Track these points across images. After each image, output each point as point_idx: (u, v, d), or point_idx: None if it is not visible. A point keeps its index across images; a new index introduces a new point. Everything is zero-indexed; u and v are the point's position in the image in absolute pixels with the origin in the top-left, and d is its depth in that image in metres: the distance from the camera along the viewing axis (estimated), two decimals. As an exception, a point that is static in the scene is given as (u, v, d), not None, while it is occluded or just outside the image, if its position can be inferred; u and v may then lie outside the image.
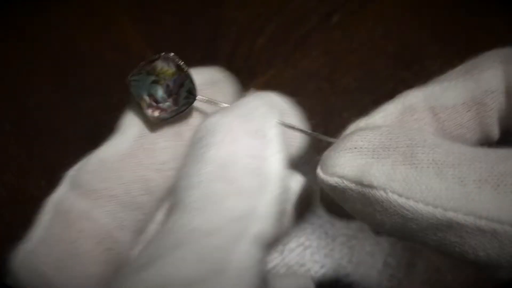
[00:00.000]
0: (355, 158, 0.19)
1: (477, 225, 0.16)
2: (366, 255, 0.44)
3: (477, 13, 0.52)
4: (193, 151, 0.20)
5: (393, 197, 0.18)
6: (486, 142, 0.23)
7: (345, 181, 0.19)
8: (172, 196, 0.21)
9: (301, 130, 0.25)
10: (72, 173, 0.22)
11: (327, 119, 0.48)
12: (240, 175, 0.19)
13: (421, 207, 0.17)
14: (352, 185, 0.19)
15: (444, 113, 0.21)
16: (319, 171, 0.20)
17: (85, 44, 0.52)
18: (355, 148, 0.19)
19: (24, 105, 0.49)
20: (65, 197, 0.22)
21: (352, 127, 0.24)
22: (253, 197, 0.18)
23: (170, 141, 0.23)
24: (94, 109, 0.48)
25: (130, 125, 0.23)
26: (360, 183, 0.19)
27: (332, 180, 0.20)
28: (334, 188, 0.20)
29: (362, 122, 0.23)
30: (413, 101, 0.22)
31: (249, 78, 0.50)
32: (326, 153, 0.21)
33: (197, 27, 0.53)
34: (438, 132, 0.22)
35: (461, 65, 0.22)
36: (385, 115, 0.22)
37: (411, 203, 0.17)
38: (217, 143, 0.19)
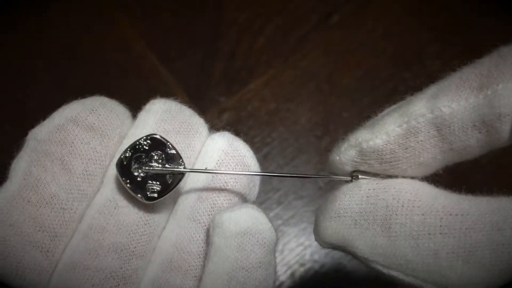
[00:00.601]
0: (339, 228, 0.21)
1: None
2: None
3: (477, 13, 0.52)
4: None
5: (377, 266, 0.20)
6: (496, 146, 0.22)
7: (334, 246, 0.22)
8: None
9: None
10: None
11: (327, 119, 0.48)
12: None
13: (402, 277, 0.20)
14: (341, 250, 0.22)
15: (452, 136, 0.20)
16: (314, 233, 0.23)
17: (85, 44, 0.52)
18: (338, 216, 0.21)
19: (24, 105, 0.49)
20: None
21: (352, 141, 0.23)
22: None
23: (56, 173, 0.22)
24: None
25: (19, 171, 0.22)
26: (347, 251, 0.21)
27: (324, 244, 0.22)
28: (328, 247, 0.23)
29: (364, 142, 0.22)
30: (420, 121, 0.21)
31: (249, 78, 0.50)
32: (317, 213, 0.23)
33: (197, 27, 0.53)
34: (444, 153, 0.21)
35: (474, 68, 0.20)
36: (388, 135, 0.21)
37: (394, 273, 0.20)
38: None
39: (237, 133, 0.26)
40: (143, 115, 0.25)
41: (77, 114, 0.23)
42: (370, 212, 0.21)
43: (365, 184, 0.22)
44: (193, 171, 0.23)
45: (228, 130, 0.26)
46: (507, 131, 0.20)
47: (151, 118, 0.24)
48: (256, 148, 0.47)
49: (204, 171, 0.23)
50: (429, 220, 0.19)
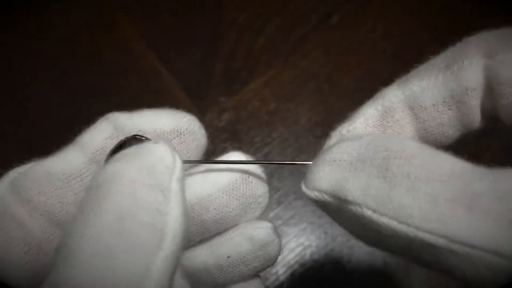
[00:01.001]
0: (333, 172, 0.19)
1: (450, 248, 0.16)
2: (366, 255, 0.44)
3: (477, 13, 0.52)
4: (89, 197, 0.18)
5: (367, 212, 0.18)
6: (468, 132, 0.22)
7: (324, 195, 0.19)
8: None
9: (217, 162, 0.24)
10: (14, 175, 0.21)
11: (327, 119, 0.48)
12: (136, 229, 0.17)
13: (394, 225, 0.17)
14: (331, 200, 0.19)
15: (424, 113, 0.21)
16: (302, 185, 0.21)
17: (85, 44, 0.52)
18: (334, 161, 0.20)
19: (24, 105, 0.49)
20: (2, 197, 0.21)
21: (334, 134, 0.23)
22: (148, 255, 0.17)
23: None
24: (93, 109, 0.48)
25: (86, 145, 0.23)
26: (337, 198, 0.19)
27: (312, 194, 0.20)
28: (315, 201, 0.20)
29: (344, 129, 0.23)
30: (393, 101, 0.22)
31: (249, 78, 0.50)
32: (309, 166, 0.21)
33: (197, 27, 0.53)
34: (419, 132, 0.22)
35: (442, 55, 0.22)
36: (366, 119, 0.22)
37: (384, 220, 0.17)
38: (115, 194, 0.18)
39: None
40: None
41: None
42: (368, 156, 0.19)
43: (366, 134, 0.22)
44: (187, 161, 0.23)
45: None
46: (476, 108, 0.21)
47: None
48: (256, 148, 0.47)
49: (192, 162, 0.24)
50: (429, 166, 0.17)
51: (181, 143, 0.24)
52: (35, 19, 0.52)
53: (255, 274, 0.26)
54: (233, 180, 0.23)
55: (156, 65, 0.51)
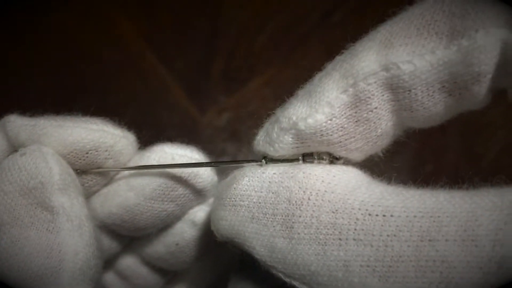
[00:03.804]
0: (233, 219, 0.17)
1: None
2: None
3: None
4: None
5: (278, 274, 0.16)
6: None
7: (231, 242, 0.18)
8: None
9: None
10: None
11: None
12: (30, 260, 0.16)
13: None
14: (239, 248, 0.18)
15: (412, 99, 0.15)
16: (211, 221, 0.19)
17: (83, 42, 0.52)
18: (234, 205, 0.17)
19: (21, 104, 0.48)
20: None
21: (284, 120, 0.17)
22: (49, 285, 0.16)
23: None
24: (91, 108, 0.47)
25: None
26: (244, 250, 0.17)
27: (220, 237, 0.18)
28: (225, 241, 0.18)
29: (300, 120, 0.16)
30: (370, 82, 0.15)
31: (249, 78, 0.50)
32: (216, 193, 0.19)
33: (196, 25, 0.52)
34: (398, 118, 0.17)
35: (440, 11, 0.15)
36: (331, 106, 0.16)
37: (296, 283, 0.15)
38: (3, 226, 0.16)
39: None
40: None
41: None
42: (270, 203, 0.16)
43: (272, 167, 0.17)
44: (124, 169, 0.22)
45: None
46: (483, 91, 0.15)
47: None
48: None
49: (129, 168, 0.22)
50: (341, 221, 0.14)
51: (98, 156, 0.21)
52: (34, 19, 0.52)
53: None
54: (158, 187, 0.21)
55: (155, 64, 0.50)
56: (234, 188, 0.17)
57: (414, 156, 0.40)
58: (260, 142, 0.18)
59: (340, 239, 0.14)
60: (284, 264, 0.15)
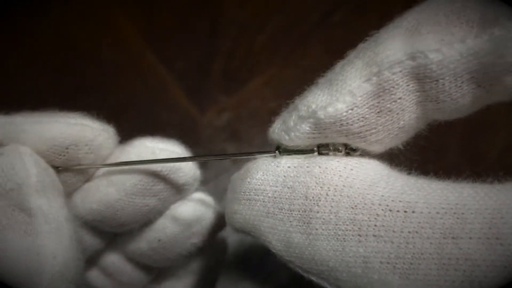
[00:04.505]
0: (248, 213, 0.17)
1: None
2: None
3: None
4: None
5: (295, 268, 0.16)
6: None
7: (247, 234, 0.18)
8: None
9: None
10: None
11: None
12: (10, 263, 0.16)
13: (325, 284, 0.15)
14: (256, 239, 0.17)
15: (441, 93, 0.15)
16: (225, 213, 0.19)
17: (82, 42, 0.52)
18: (248, 200, 0.17)
19: (20, 104, 0.48)
20: None
21: (302, 108, 0.17)
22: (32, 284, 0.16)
23: None
24: (92, 108, 0.47)
25: None
26: (261, 242, 0.17)
27: (234, 230, 0.18)
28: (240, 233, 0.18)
29: (320, 109, 0.16)
30: (395, 70, 0.15)
31: (249, 77, 0.50)
32: (229, 186, 0.19)
33: (196, 25, 0.52)
34: (421, 110, 0.16)
35: None
36: (353, 97, 0.15)
37: (313, 278, 0.15)
38: None
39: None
40: None
41: None
42: (286, 198, 0.16)
43: (286, 159, 0.17)
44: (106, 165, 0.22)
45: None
46: None
47: None
48: (256, 148, 0.46)
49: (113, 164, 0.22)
50: (361, 217, 0.14)
51: (79, 151, 0.21)
52: (33, 18, 0.52)
53: (205, 248, 0.25)
54: (138, 181, 0.21)
55: (154, 63, 0.50)
56: (248, 182, 0.17)
57: (414, 156, 0.40)
58: (276, 130, 0.18)
59: (359, 235, 0.14)
60: (301, 260, 0.15)
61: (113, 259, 0.25)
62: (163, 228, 0.23)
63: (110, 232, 0.23)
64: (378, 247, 0.14)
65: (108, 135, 0.22)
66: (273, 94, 0.49)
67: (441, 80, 0.14)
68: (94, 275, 0.25)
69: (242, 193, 0.17)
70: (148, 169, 0.21)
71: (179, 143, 0.23)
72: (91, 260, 0.25)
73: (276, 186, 0.16)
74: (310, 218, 0.15)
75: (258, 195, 0.17)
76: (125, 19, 0.53)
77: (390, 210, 0.14)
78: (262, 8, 0.53)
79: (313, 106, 0.16)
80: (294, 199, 0.16)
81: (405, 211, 0.14)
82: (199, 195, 0.24)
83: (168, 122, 0.47)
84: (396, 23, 0.15)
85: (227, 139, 0.46)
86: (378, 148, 0.17)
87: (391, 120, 0.15)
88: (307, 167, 0.16)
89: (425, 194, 0.14)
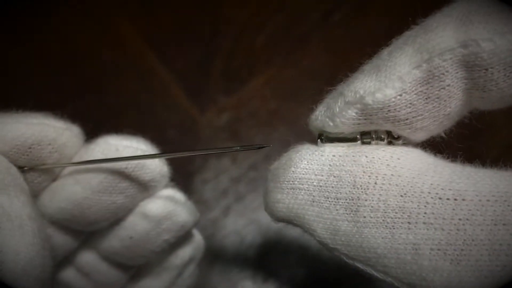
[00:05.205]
0: (292, 202, 0.17)
1: None
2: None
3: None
4: None
5: (340, 255, 0.16)
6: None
7: (289, 222, 0.18)
8: None
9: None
10: None
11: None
12: None
13: (371, 271, 0.15)
14: (298, 227, 0.17)
15: (488, 82, 0.15)
16: (264, 203, 0.18)
17: (82, 42, 0.51)
18: (292, 188, 0.17)
19: (23, 105, 0.48)
20: None
21: (349, 94, 0.17)
22: None
23: None
24: (92, 108, 0.47)
25: None
26: (304, 230, 0.17)
27: (275, 219, 0.18)
28: (281, 222, 0.18)
29: (368, 95, 0.16)
30: (446, 57, 0.15)
31: (248, 77, 0.50)
32: (269, 176, 0.18)
33: (196, 24, 0.52)
34: (467, 97, 0.16)
35: None
36: (403, 81, 0.15)
37: (359, 265, 0.15)
38: None
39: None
40: None
41: None
42: (332, 187, 0.16)
43: (329, 148, 0.17)
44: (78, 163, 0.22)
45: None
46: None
47: None
48: (254, 149, 0.46)
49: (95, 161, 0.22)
50: (410, 204, 0.14)
51: (42, 150, 0.21)
52: (34, 19, 0.52)
53: (177, 243, 0.25)
54: (104, 179, 0.21)
55: (154, 63, 0.50)
56: (293, 172, 0.17)
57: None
58: (319, 117, 0.18)
59: (409, 222, 0.14)
60: (348, 247, 0.15)
61: (88, 259, 0.25)
62: (134, 225, 0.23)
63: (82, 231, 0.23)
64: (428, 234, 0.14)
65: (72, 133, 0.22)
66: (273, 94, 0.49)
67: (490, 69, 0.14)
68: (71, 274, 0.25)
69: (286, 182, 0.17)
70: (113, 167, 0.21)
71: (144, 139, 0.23)
72: (67, 260, 0.25)
73: (322, 175, 0.16)
74: (358, 206, 0.15)
75: (302, 184, 0.17)
76: (125, 19, 0.52)
77: (440, 198, 0.14)
78: (262, 9, 0.53)
79: (361, 92, 0.16)
80: (341, 188, 0.16)
81: (455, 199, 0.14)
82: (169, 191, 0.24)
83: (168, 122, 0.46)
84: (445, 12, 0.16)
85: (227, 139, 0.46)
86: (421, 136, 0.17)
87: (438, 107, 0.16)
88: (353, 156, 0.16)
89: (474, 182, 0.14)
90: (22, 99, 0.48)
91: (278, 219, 0.18)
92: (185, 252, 0.26)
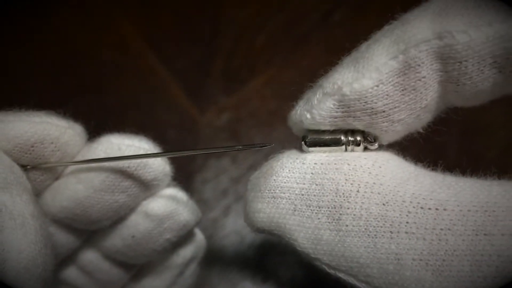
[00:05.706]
0: (273, 212, 0.17)
1: None
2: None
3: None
4: None
5: (321, 265, 0.16)
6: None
7: (268, 233, 0.17)
8: None
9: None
10: None
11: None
12: None
13: (353, 281, 0.15)
14: (276, 238, 0.17)
15: (462, 75, 0.15)
16: (244, 214, 0.18)
17: (82, 42, 0.51)
18: (273, 197, 0.17)
19: (23, 105, 0.48)
20: None
21: (327, 86, 0.16)
22: None
23: None
24: (92, 108, 0.47)
25: None
26: (283, 240, 0.17)
27: (254, 230, 0.18)
28: (260, 233, 0.18)
29: (345, 85, 0.16)
30: (421, 49, 0.15)
31: (249, 77, 0.50)
32: (249, 186, 0.18)
33: (196, 24, 0.52)
34: (442, 91, 0.16)
35: None
36: (379, 72, 0.15)
37: (341, 275, 0.15)
38: None
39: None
40: None
41: None
42: (314, 195, 0.16)
43: (311, 156, 0.17)
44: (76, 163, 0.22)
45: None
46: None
47: None
48: (256, 148, 0.46)
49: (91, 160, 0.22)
50: (392, 213, 0.14)
51: (45, 149, 0.21)
52: (33, 18, 0.52)
53: (179, 243, 0.25)
54: (106, 178, 0.21)
55: (154, 63, 0.50)
56: (274, 180, 0.17)
57: (414, 155, 0.40)
58: (298, 111, 0.18)
59: (391, 231, 0.14)
60: (330, 256, 0.15)
61: (90, 257, 0.25)
62: (136, 224, 0.23)
63: (84, 230, 0.23)
64: (410, 244, 0.14)
65: (75, 132, 0.22)
66: (273, 94, 0.49)
67: (464, 62, 0.14)
68: (73, 273, 0.25)
69: (267, 191, 0.17)
70: (115, 166, 0.21)
71: (146, 138, 0.23)
72: (69, 258, 0.25)
73: (304, 183, 0.16)
74: (341, 214, 0.15)
75: (284, 193, 0.17)
76: (125, 19, 0.52)
77: (422, 208, 0.14)
78: (262, 8, 0.53)
79: (339, 83, 0.16)
80: (323, 196, 0.16)
81: (437, 209, 0.14)
82: (171, 190, 0.24)
83: (168, 122, 0.46)
84: (423, 6, 0.16)
85: (227, 139, 0.46)
86: (399, 131, 0.17)
87: (415, 99, 0.16)
88: (335, 164, 0.16)
89: (455, 192, 0.14)
90: (23, 99, 0.48)
91: (258, 229, 0.18)
92: (186, 251, 0.26)
